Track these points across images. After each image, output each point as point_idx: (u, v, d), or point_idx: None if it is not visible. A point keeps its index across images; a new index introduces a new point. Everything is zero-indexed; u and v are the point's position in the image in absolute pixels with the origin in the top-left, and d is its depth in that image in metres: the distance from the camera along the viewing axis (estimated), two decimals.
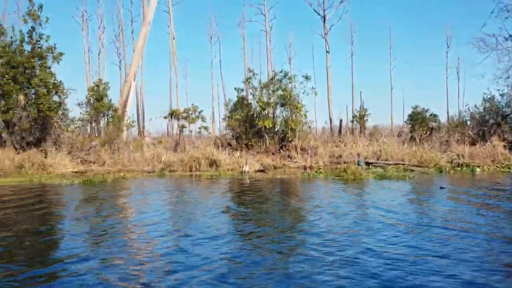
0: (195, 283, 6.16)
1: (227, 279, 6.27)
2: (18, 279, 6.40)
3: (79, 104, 29.07)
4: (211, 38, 53.85)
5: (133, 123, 31.96)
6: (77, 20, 48.38)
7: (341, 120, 36.47)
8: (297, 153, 26.49)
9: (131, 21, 48.95)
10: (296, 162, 25.72)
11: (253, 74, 29.42)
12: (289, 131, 27.28)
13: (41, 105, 24.81)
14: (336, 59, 74.32)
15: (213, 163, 23.69)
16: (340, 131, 35.09)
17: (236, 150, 26.50)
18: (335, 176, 19.79)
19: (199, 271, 6.61)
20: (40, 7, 26.08)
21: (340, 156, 25.56)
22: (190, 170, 23.38)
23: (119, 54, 48.85)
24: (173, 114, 31.45)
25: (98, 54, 48.85)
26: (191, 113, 30.44)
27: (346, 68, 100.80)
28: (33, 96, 25.89)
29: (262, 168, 23.49)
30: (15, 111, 24.81)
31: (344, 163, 23.66)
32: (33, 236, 9.04)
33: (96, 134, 29.31)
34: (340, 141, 29.32)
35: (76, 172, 22.89)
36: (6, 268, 6.89)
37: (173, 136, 34.26)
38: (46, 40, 26.28)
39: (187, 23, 77.52)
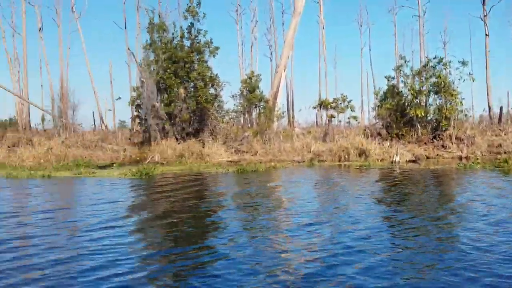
0: (330, 273, 5.89)
1: (366, 272, 5.87)
2: (171, 258, 6.60)
3: (233, 96, 30.27)
4: (360, 25, 52.70)
5: (283, 113, 32.47)
6: (232, 14, 50.41)
7: (501, 108, 33.70)
8: (452, 143, 24.88)
9: (282, 13, 49.81)
10: (450, 152, 24.17)
11: (405, 61, 28.16)
12: (443, 119, 25.72)
13: (199, 98, 26.21)
14: (496, 43, 68.28)
15: (362, 153, 23.17)
16: (500, 119, 32.53)
17: (386, 139, 25.61)
18: (494, 167, 18.09)
19: (335, 262, 6.31)
20: (198, 3, 27.46)
21: (500, 145, 23.61)
22: (339, 160, 23.13)
23: (270, 46, 49.99)
24: (322, 104, 31.33)
25: (251, 47, 50.49)
26: (340, 103, 30.08)
27: (508, 52, 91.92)
28: (192, 89, 27.44)
29: (413, 159, 22.37)
30: (176, 104, 26.50)
31: (505, 153, 21.83)
32: (191, 218, 9.46)
33: (249, 125, 30.20)
34: (500, 129, 27.09)
35: (230, 161, 23.80)
36: (165, 245, 7.26)
37: (322, 126, 34.19)
38: (204, 35, 27.67)
39: (336, 11, 76.70)
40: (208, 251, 7.02)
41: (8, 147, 27.07)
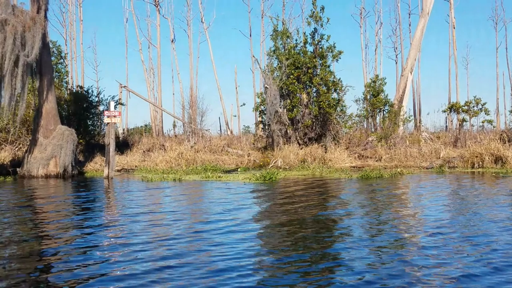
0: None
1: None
2: (284, 261, 6.61)
3: (356, 101, 29.86)
4: (496, 23, 49.05)
5: (409, 118, 31.29)
6: (355, 18, 49.65)
7: None
8: None
9: (409, 14, 48.00)
10: None
11: None
12: None
13: (322, 103, 26.10)
14: None
15: (498, 159, 21.65)
16: None
17: None
18: None
19: (463, 277, 5.85)
20: (322, 9, 27.44)
21: None
22: (472, 167, 21.88)
23: (396, 48, 48.41)
24: (452, 108, 29.75)
25: (375, 50, 49.27)
26: (473, 106, 28.34)
27: None
28: (314, 94, 27.43)
29: None
30: (299, 109, 26.66)
31: None
32: (311, 223, 9.35)
33: (373, 130, 29.57)
34: None
35: (353, 167, 23.42)
36: (283, 249, 7.18)
37: (452, 131, 32.42)
38: (327, 40, 27.53)
39: (468, 9, 72.09)
40: (326, 256, 6.91)
41: (144, 151, 29.00)
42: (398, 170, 21.11)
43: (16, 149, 26.98)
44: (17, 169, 22.32)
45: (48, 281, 6.05)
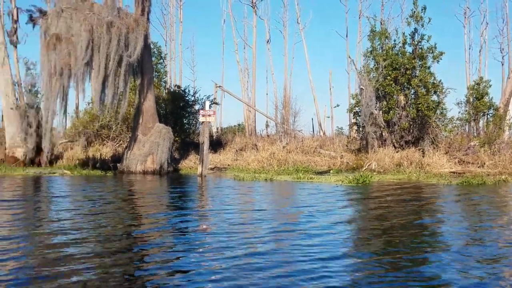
0: None
1: None
2: (366, 267, 6.40)
3: (458, 103, 28.51)
4: None
5: None
6: (459, 18, 47.31)
7: None
8: None
9: None
10: None
11: None
12: None
13: (420, 105, 25.05)
14: None
15: None
16: None
17: None
18: None
19: None
20: (424, 8, 26.33)
21: None
22: None
23: (502, 49, 45.47)
24: None
25: (479, 51, 46.63)
26: None
27: None
28: (412, 96, 26.38)
29: None
30: (396, 111, 25.74)
31: None
32: (404, 228, 8.96)
33: (475, 134, 28.03)
34: None
35: (453, 172, 22.28)
36: (372, 251, 7.00)
37: None
38: (427, 41, 26.37)
39: None
40: (410, 265, 6.49)
41: (236, 150, 29.41)
42: (503, 177, 19.76)
43: (117, 145, 28.46)
44: (117, 164, 23.47)
45: (135, 258, 6.67)
